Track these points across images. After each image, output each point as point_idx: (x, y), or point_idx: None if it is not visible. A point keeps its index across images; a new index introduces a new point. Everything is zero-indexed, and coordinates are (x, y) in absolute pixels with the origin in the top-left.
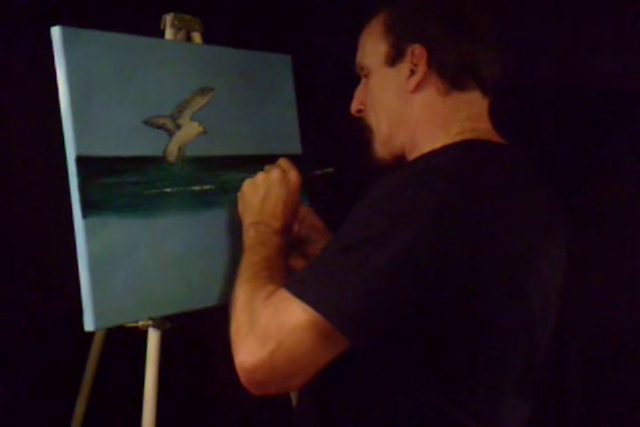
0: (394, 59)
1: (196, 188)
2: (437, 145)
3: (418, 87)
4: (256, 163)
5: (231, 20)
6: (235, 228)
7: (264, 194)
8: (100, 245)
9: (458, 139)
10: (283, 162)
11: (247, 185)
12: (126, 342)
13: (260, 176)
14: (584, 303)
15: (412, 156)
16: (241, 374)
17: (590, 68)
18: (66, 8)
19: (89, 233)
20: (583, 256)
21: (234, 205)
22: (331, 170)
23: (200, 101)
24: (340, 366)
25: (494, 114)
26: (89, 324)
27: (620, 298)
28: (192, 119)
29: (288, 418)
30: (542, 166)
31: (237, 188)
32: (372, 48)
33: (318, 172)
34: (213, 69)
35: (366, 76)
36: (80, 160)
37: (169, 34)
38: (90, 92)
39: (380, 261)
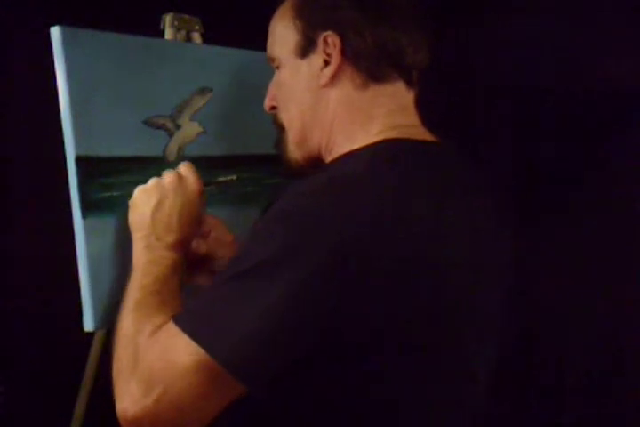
0: (304, 49)
1: None
2: (356, 145)
3: (332, 80)
4: (256, 163)
5: (231, 20)
6: (234, 228)
7: (157, 203)
8: (99, 246)
9: (378, 138)
10: (183, 167)
11: (139, 192)
12: None
13: (152, 182)
14: (584, 306)
15: (329, 158)
16: (123, 424)
17: (591, 68)
18: (66, 8)
19: (88, 233)
20: (583, 259)
21: (234, 205)
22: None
23: (199, 101)
24: (236, 412)
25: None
26: (89, 324)
27: (620, 300)
28: (192, 119)
29: None
30: (542, 166)
31: (237, 188)
32: (281, 36)
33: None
34: (213, 69)
35: (277, 68)
36: (80, 160)
37: (169, 34)
38: (89, 92)
39: (271, 294)
